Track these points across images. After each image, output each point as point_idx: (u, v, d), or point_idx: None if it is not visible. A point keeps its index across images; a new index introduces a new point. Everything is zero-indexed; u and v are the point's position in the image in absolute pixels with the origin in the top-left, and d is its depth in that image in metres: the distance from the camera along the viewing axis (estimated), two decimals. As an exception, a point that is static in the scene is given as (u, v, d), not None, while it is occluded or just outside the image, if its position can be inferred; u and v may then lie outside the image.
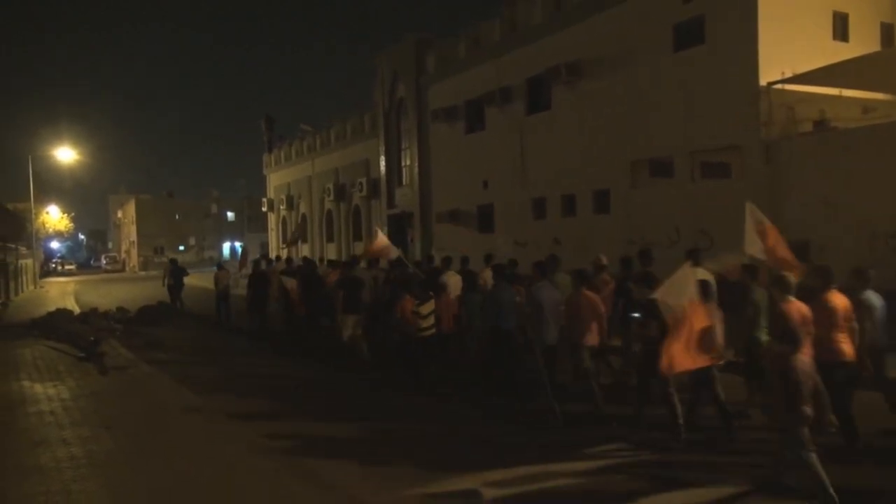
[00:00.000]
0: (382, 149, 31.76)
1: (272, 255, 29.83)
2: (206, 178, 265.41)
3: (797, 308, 5.95)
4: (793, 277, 6.41)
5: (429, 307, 9.84)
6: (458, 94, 26.14)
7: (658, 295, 6.82)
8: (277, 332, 15.34)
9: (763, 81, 15.19)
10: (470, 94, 25.39)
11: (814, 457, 5.28)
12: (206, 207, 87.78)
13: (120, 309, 20.90)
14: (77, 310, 22.28)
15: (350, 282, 12.22)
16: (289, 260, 17.13)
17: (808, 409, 5.30)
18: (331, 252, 35.00)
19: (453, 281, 10.89)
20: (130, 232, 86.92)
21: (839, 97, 15.73)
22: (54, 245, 74.05)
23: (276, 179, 46.48)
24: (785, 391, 5.35)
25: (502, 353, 9.10)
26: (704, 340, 6.48)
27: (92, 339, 14.19)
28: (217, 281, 19.22)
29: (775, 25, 15.42)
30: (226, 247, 79.78)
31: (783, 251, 8.14)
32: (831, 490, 5.16)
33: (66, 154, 41.19)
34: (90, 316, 19.35)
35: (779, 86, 15.03)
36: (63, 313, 20.30)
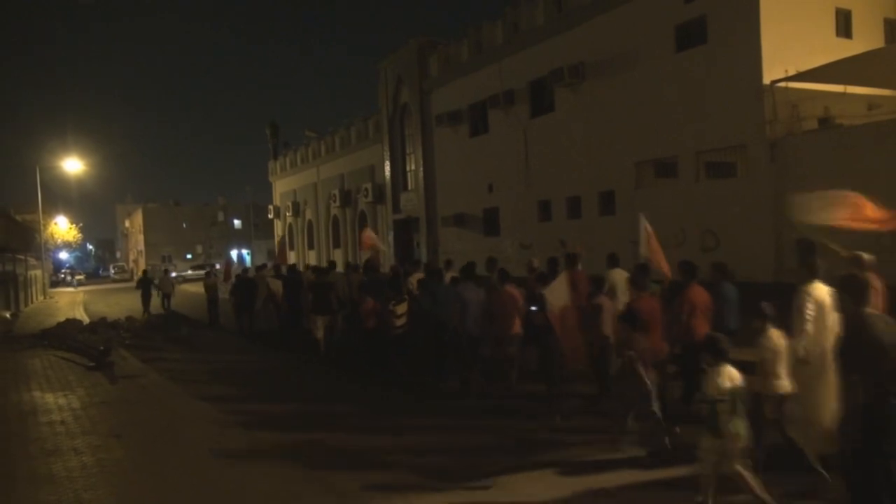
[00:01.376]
0: (387, 154, 31.83)
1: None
2: (213, 186, 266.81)
3: (647, 302, 7.28)
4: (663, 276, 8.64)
5: (403, 307, 10.63)
6: (461, 97, 26.20)
7: (546, 292, 8.05)
8: (265, 331, 16.35)
9: (767, 80, 15.17)
10: (473, 97, 25.45)
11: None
12: (213, 215, 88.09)
13: (129, 318, 21.02)
14: (86, 320, 22.41)
15: (319, 285, 13.20)
16: (276, 267, 18.47)
17: (648, 385, 6.54)
18: (338, 258, 35.04)
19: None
20: (138, 241, 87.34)
21: (844, 94, 15.68)
22: (63, 255, 74.41)
23: (282, 186, 46.62)
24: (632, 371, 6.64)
25: (448, 345, 9.88)
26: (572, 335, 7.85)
27: (101, 348, 14.25)
28: (206, 286, 20.85)
29: (778, 24, 15.40)
30: (233, 254, 79.98)
31: (659, 256, 9.43)
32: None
33: (73, 165, 41.42)
34: (99, 326, 19.48)
35: (783, 84, 15.00)
36: (72, 323, 20.43)
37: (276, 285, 15.16)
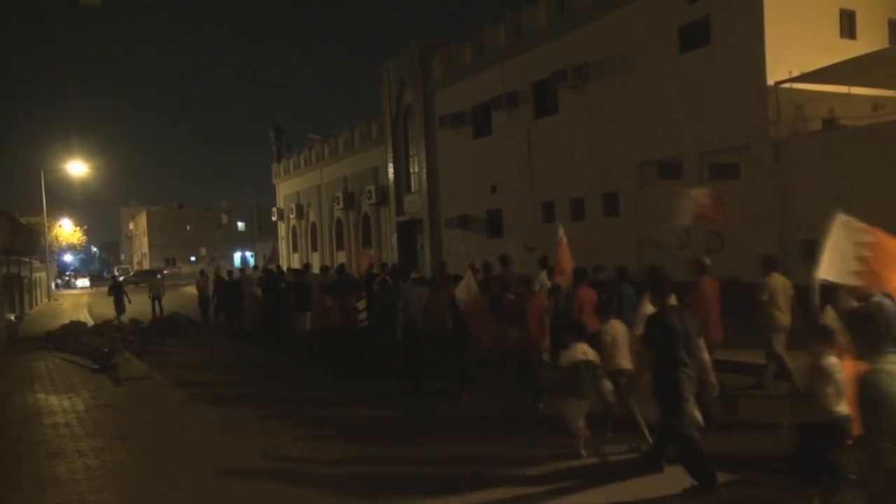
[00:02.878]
0: (390, 156, 31.85)
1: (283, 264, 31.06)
2: (217, 189, 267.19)
3: (535, 301, 8.79)
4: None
5: (362, 304, 12.47)
6: (464, 99, 26.20)
7: (456, 290, 9.69)
8: (250, 330, 17.31)
9: (770, 81, 15.13)
10: (476, 99, 25.45)
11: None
12: (217, 217, 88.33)
13: (133, 320, 21.04)
14: (91, 322, 22.45)
15: (298, 286, 14.39)
16: (266, 269, 19.98)
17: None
18: (342, 260, 35.04)
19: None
20: (142, 243, 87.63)
21: (848, 95, 15.64)
22: (67, 258, 74.65)
23: (286, 188, 46.68)
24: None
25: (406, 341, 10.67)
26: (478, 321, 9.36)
27: (106, 350, 14.28)
28: (198, 286, 22.43)
29: (781, 24, 15.37)
30: (237, 256, 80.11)
31: (565, 263, 10.60)
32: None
33: (77, 167, 41.65)
34: (104, 328, 19.51)
35: (786, 85, 14.96)
36: (77, 325, 20.47)
37: (257, 291, 16.85)
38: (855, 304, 6.46)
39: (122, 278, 30.98)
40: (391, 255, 31.20)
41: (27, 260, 33.29)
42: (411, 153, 30.91)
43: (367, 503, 5.95)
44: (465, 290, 9.52)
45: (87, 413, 9.75)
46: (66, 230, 59.59)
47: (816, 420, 4.75)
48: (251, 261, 68.63)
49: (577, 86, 20.59)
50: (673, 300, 6.28)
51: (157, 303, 23.54)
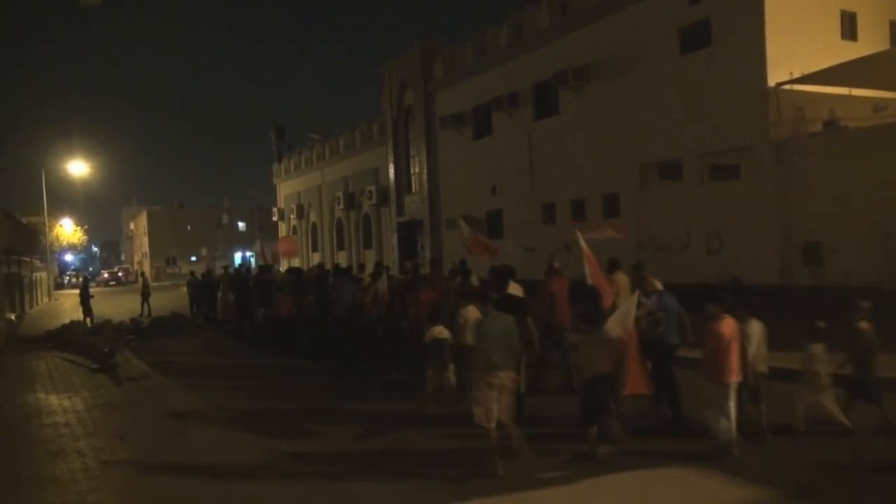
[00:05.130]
0: (391, 156, 31.85)
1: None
2: (218, 189, 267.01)
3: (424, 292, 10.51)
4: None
5: (310, 298, 14.17)
6: (465, 100, 26.21)
7: (377, 284, 12.20)
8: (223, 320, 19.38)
9: (771, 82, 15.13)
10: (477, 100, 25.45)
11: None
12: (218, 217, 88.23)
13: (133, 320, 21.04)
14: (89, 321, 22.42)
15: (259, 284, 16.83)
16: (247, 269, 22.58)
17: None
18: (342, 260, 35.06)
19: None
20: (143, 243, 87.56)
21: (849, 96, 15.64)
22: (68, 258, 74.62)
23: (286, 189, 46.69)
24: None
25: (343, 332, 12.74)
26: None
27: (106, 350, 14.27)
28: (189, 285, 23.99)
29: (782, 26, 15.37)
30: (237, 256, 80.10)
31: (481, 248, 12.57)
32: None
33: (78, 167, 41.65)
34: (104, 327, 19.49)
35: (787, 86, 14.97)
36: (77, 325, 20.45)
37: (228, 297, 18.93)
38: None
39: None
40: (392, 256, 31.19)
41: (28, 259, 33.30)
42: (412, 154, 30.91)
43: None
44: (383, 284, 12.18)
45: (86, 412, 9.75)
46: (67, 230, 59.54)
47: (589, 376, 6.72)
48: (252, 261, 68.61)
49: (577, 87, 20.58)
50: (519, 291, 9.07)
51: (145, 303, 24.15)
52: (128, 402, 10.49)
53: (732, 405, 6.55)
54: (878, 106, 16.14)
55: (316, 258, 40.10)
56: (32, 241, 35.06)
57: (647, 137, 18.44)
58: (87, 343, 16.18)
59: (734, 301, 7.09)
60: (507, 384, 6.48)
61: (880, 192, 13.37)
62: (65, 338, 17.79)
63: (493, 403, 6.34)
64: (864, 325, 7.14)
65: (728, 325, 6.65)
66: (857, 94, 15.72)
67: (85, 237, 65.86)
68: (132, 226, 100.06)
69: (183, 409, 9.62)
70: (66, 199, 56.50)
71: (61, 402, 10.49)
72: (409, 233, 31.27)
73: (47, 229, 43.77)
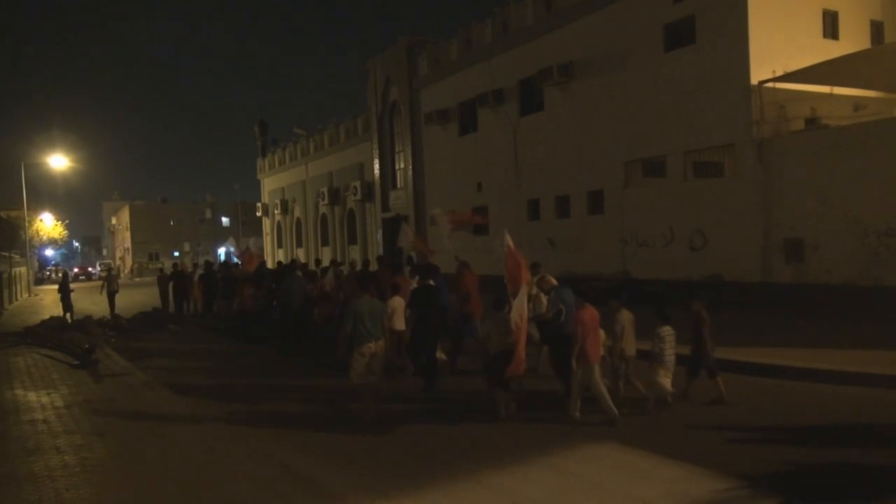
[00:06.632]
0: (376, 152, 31.75)
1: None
2: (201, 183, 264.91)
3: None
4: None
5: (260, 291, 16.09)
6: (450, 96, 26.17)
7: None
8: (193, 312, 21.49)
9: (754, 80, 15.24)
10: (463, 96, 25.43)
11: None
12: (201, 212, 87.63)
13: (115, 316, 20.82)
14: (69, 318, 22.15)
15: (227, 278, 19.21)
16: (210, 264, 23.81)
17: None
18: (326, 255, 34.91)
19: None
20: (125, 238, 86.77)
21: (830, 95, 15.79)
22: (49, 253, 73.68)
23: (271, 184, 46.39)
24: None
25: (293, 322, 14.09)
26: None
27: (86, 346, 14.11)
28: (159, 281, 24.53)
29: (766, 24, 15.48)
30: (221, 252, 79.58)
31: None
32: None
33: (59, 161, 41.07)
34: (84, 323, 19.25)
35: (770, 84, 15.08)
36: (57, 321, 20.22)
37: (196, 290, 21.17)
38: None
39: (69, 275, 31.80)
40: (376, 251, 31.11)
41: (7, 254, 32.85)
42: (397, 149, 30.83)
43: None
44: (328, 281, 14.32)
45: (66, 409, 9.62)
46: (48, 224, 58.74)
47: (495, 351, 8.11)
48: (235, 258, 68.18)
49: (562, 84, 20.63)
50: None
51: (111, 299, 23.25)
52: (108, 398, 10.36)
53: (599, 382, 7.76)
54: (858, 105, 16.33)
55: (301, 254, 39.93)
56: (11, 236, 34.60)
57: (631, 135, 18.51)
58: (68, 339, 16.00)
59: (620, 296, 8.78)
60: (377, 352, 8.24)
61: (860, 190, 13.53)
62: (44, 334, 17.58)
63: (365, 368, 8.14)
64: (701, 311, 8.25)
65: (589, 314, 7.82)
66: (838, 92, 15.88)
67: (65, 232, 64.94)
68: (114, 220, 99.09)
69: (164, 407, 9.53)
70: (47, 193, 55.86)
71: (40, 399, 10.35)
72: (393, 228, 31.18)
73: (27, 224, 43.18)
